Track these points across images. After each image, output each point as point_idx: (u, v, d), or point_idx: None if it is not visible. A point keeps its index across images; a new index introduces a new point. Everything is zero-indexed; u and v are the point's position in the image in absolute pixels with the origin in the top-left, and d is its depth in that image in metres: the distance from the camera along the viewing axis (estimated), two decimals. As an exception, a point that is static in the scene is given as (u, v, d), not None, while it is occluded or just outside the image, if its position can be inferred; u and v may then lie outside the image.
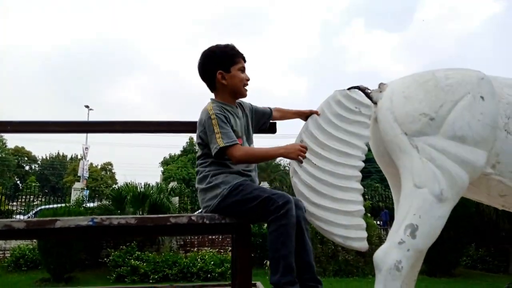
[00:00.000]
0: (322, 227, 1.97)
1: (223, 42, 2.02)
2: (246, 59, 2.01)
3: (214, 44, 2.01)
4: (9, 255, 9.29)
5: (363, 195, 2.05)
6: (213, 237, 10.12)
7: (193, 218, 1.66)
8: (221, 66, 1.93)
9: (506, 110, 1.91)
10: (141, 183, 9.39)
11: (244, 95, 2.03)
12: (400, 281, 1.75)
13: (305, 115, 2.17)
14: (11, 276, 8.40)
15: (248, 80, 2.00)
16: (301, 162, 1.85)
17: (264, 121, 2.16)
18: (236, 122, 1.94)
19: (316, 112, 2.14)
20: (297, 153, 1.78)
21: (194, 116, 2.04)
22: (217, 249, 9.51)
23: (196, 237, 10.05)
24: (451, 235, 7.68)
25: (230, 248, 7.21)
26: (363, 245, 1.96)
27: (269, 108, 2.19)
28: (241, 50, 2.01)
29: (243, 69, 1.98)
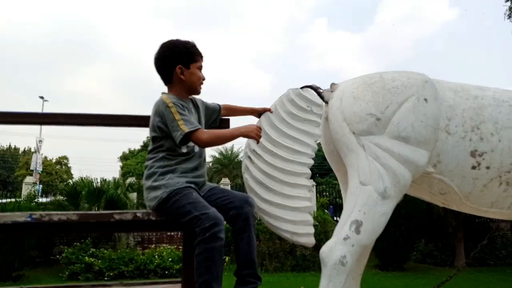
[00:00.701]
0: (271, 223, 1.99)
1: (185, 35, 2.06)
2: (204, 58, 2.03)
3: (174, 38, 2.00)
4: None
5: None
6: (172, 233, 9.98)
7: (138, 214, 1.63)
8: (181, 61, 1.94)
9: (448, 112, 2.01)
10: (97, 178, 9.14)
11: (199, 93, 2.05)
12: (344, 275, 1.80)
13: (257, 113, 2.19)
14: (-47, 276, 7.90)
15: (204, 79, 2.03)
16: (258, 141, 1.95)
17: (215, 117, 2.17)
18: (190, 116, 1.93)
19: (269, 110, 2.16)
20: (255, 132, 1.89)
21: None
22: (175, 246, 9.39)
23: (154, 234, 9.88)
24: (403, 231, 8.03)
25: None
26: (310, 241, 2.00)
27: (218, 104, 2.20)
28: (200, 49, 2.03)
29: (201, 68, 2.01)
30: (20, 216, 1.49)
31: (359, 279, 2.26)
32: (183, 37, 2.03)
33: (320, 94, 2.13)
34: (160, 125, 1.85)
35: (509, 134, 2.00)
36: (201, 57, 2.01)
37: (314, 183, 11.39)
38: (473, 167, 2.00)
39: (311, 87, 2.17)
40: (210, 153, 25.77)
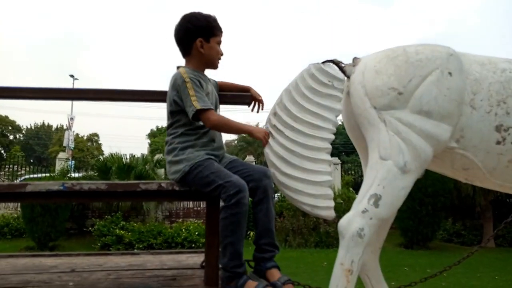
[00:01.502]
0: (291, 196, 2.03)
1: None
2: (223, 34, 2.04)
3: (196, 11, 2.00)
4: (-7, 223, 9.33)
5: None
6: (198, 208, 10.25)
7: (163, 185, 1.71)
8: (202, 34, 1.95)
9: (473, 86, 1.96)
10: (126, 155, 9.45)
11: (216, 68, 2.07)
12: (362, 247, 1.83)
13: (244, 90, 2.25)
14: (-4, 244, 8.47)
15: (222, 55, 2.04)
16: (264, 145, 2.00)
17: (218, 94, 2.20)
18: (208, 90, 1.97)
19: (259, 100, 2.25)
20: (263, 134, 1.94)
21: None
22: (202, 220, 9.65)
23: (181, 208, 10.18)
24: (429, 210, 7.95)
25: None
26: (330, 214, 2.03)
27: (215, 80, 2.22)
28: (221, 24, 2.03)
29: (220, 43, 2.02)
30: (54, 185, 1.59)
31: (379, 252, 2.29)
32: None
33: (341, 69, 2.11)
34: (176, 99, 1.88)
35: None
36: (221, 32, 2.02)
37: (339, 161, 11.33)
38: (498, 142, 1.96)
39: (332, 61, 2.15)
40: (236, 131, 25.90)
